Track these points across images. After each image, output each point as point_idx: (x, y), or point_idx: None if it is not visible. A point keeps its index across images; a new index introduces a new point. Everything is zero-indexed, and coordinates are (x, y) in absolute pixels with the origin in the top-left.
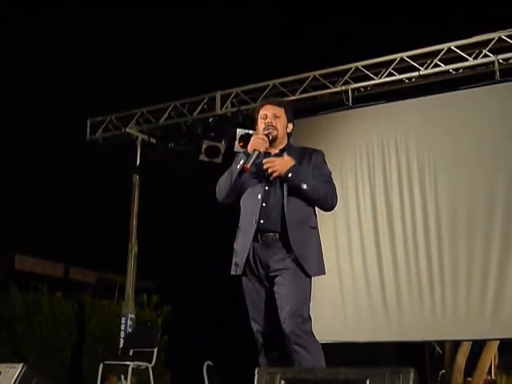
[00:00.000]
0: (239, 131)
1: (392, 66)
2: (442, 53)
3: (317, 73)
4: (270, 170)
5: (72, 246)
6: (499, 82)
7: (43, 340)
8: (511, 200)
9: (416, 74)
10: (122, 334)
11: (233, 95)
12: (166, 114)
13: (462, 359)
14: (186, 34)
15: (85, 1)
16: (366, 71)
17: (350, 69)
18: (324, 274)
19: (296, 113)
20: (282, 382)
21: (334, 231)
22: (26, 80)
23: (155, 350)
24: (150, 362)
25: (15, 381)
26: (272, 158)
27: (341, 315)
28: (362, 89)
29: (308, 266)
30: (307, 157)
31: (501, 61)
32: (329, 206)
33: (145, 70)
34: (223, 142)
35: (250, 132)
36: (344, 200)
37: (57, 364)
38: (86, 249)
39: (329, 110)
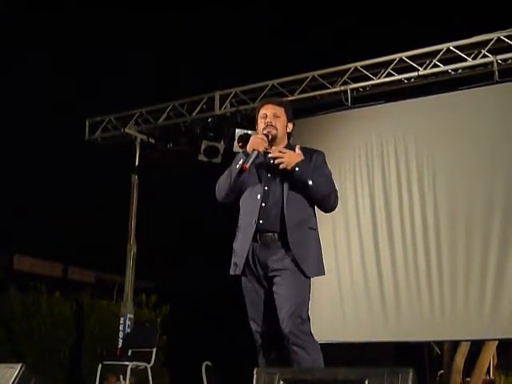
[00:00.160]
0: (238, 131)
1: (391, 67)
2: (441, 53)
3: (316, 73)
4: (277, 161)
5: (71, 246)
6: (498, 82)
7: (42, 340)
8: (510, 200)
9: (415, 74)
10: (121, 334)
11: (232, 95)
12: (165, 114)
13: (460, 359)
14: (184, 34)
15: (84, 1)
16: (364, 71)
17: (349, 69)
18: (323, 275)
19: (295, 113)
20: (281, 382)
21: (332, 231)
22: (26, 80)
23: (154, 350)
24: (149, 362)
25: (14, 381)
26: (283, 149)
27: (339, 315)
28: (361, 89)
29: (306, 266)
30: (307, 157)
31: (500, 61)
32: (330, 206)
33: (144, 70)
34: (222, 142)
35: (249, 132)
36: (343, 200)
37: (55, 364)
38: (84, 249)
39: (328, 111)
